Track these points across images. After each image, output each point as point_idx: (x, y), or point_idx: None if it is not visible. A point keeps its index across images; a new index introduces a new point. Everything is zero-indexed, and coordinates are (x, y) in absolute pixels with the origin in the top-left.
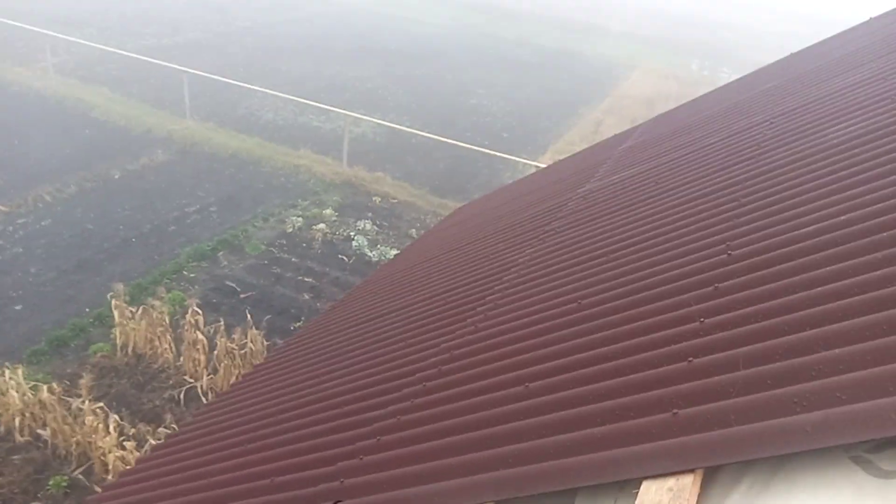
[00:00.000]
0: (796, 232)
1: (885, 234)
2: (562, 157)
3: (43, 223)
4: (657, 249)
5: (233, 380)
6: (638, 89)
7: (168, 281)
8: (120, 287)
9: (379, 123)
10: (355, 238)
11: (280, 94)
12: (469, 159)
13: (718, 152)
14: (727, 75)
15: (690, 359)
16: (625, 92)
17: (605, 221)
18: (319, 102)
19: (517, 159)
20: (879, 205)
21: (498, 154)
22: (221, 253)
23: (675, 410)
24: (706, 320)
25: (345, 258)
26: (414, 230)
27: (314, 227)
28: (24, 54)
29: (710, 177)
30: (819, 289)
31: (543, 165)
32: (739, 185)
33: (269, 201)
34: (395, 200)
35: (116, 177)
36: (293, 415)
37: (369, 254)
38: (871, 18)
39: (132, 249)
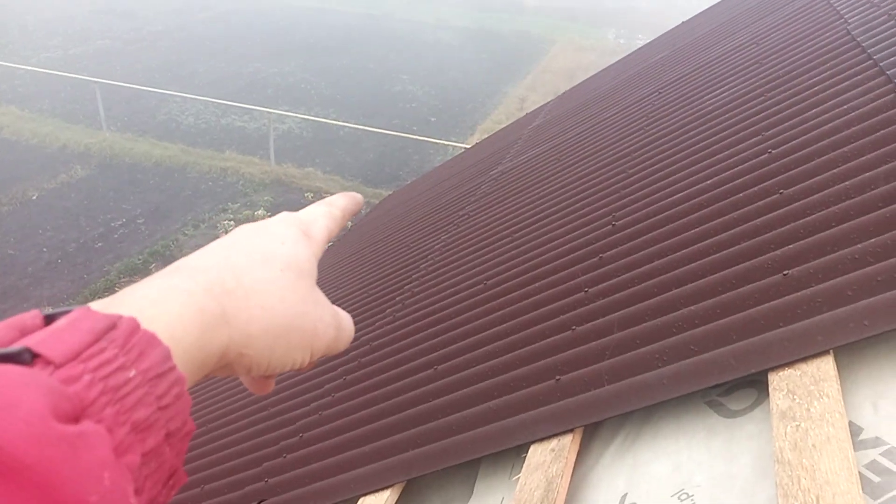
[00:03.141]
0: (671, 198)
1: (741, 194)
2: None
3: None
4: (554, 226)
5: None
6: (558, 63)
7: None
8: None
9: (304, 118)
10: None
11: (200, 98)
12: (399, 146)
13: (613, 125)
14: (643, 41)
15: (574, 327)
16: (546, 67)
17: (512, 202)
18: (241, 102)
19: (446, 143)
20: (740, 167)
21: (427, 139)
22: (154, 265)
23: (558, 377)
24: (590, 289)
25: None
26: (350, 222)
27: None
28: None
29: (606, 150)
30: (685, 250)
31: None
32: (628, 156)
33: (198, 208)
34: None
35: (34, 197)
36: (223, 422)
37: None
38: None
39: (58, 271)
